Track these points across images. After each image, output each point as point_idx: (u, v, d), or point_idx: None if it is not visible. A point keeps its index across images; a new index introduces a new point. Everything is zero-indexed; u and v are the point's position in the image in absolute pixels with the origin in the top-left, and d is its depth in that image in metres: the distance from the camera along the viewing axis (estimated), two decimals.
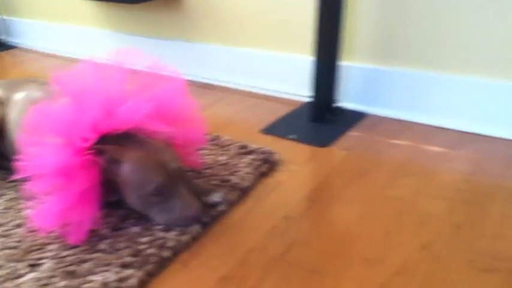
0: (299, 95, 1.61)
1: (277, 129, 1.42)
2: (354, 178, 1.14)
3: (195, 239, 0.94)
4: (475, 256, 0.87)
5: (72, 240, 0.91)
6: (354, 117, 1.48)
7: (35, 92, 1.16)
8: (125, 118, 0.93)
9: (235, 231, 0.97)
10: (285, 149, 1.29)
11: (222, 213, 1.01)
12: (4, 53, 2.41)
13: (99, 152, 0.91)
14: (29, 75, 2.00)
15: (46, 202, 0.90)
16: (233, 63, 1.75)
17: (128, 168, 0.91)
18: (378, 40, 1.44)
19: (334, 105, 1.49)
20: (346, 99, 1.52)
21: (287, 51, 1.62)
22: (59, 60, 2.24)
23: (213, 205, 1.02)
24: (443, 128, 1.38)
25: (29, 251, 0.90)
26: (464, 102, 1.34)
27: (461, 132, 1.35)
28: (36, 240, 0.93)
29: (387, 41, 1.43)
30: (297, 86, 1.60)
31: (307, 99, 1.52)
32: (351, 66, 1.49)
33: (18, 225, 0.98)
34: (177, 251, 0.90)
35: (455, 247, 0.90)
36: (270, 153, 1.22)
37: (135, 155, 0.91)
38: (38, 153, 0.89)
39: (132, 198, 0.94)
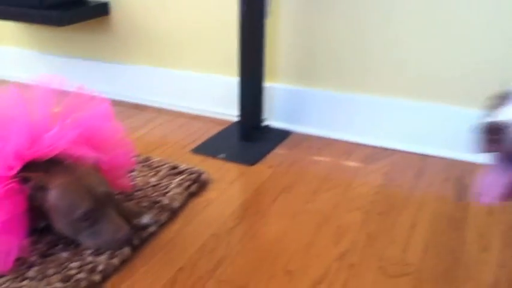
0: (228, 115, 1.68)
1: (207, 148, 1.48)
2: (279, 194, 1.22)
3: (125, 261, 0.97)
4: (385, 263, 0.97)
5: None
6: (280, 136, 1.57)
7: None
8: (51, 145, 0.95)
9: (165, 251, 1.01)
10: (214, 168, 1.34)
11: (152, 235, 1.05)
12: None
13: (24, 180, 0.91)
14: None
15: None
16: (164, 84, 1.79)
17: (54, 195, 0.92)
18: (299, 62, 1.55)
19: (261, 124, 1.57)
20: (273, 118, 1.60)
21: (215, 72, 1.68)
22: None
23: (144, 227, 1.05)
24: (360, 144, 1.49)
25: None
26: (379, 120, 1.47)
27: (376, 147, 1.47)
28: None
29: (308, 63, 1.53)
30: (226, 105, 1.67)
31: (236, 119, 1.59)
32: (275, 87, 1.58)
33: None
34: (107, 275, 0.92)
35: (368, 255, 0.99)
36: (200, 173, 1.27)
37: (61, 181, 0.93)
38: None
39: (61, 224, 0.95)
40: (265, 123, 1.59)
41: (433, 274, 0.94)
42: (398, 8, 1.35)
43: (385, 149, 1.45)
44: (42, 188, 0.92)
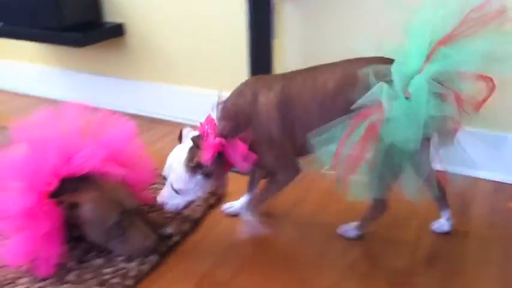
0: None
1: None
2: (291, 206, 1.32)
3: (153, 268, 1.07)
4: (393, 273, 1.06)
5: (41, 273, 1.00)
6: None
7: None
8: (82, 163, 1.05)
9: (189, 259, 1.11)
10: (230, 181, 1.44)
11: (177, 244, 1.15)
12: None
13: (58, 203, 1.01)
14: None
15: (13, 241, 0.99)
16: (176, 99, 1.89)
17: (86, 209, 1.02)
18: None
19: None
20: None
21: (225, 89, 1.78)
22: (4, 95, 2.26)
23: (168, 236, 1.15)
24: None
25: (1, 285, 0.98)
26: None
27: None
28: (7, 274, 1.01)
29: None
30: None
31: None
32: None
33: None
34: (138, 280, 1.03)
35: (377, 265, 1.09)
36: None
37: (91, 196, 1.03)
38: (3, 197, 0.98)
39: (94, 235, 1.05)
40: None
41: (439, 285, 1.02)
42: None
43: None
44: (74, 206, 1.02)
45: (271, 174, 1.12)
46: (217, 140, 1.00)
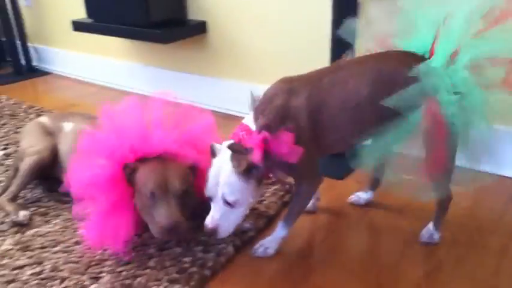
0: None
1: None
2: (367, 209, 1.29)
3: (229, 260, 1.09)
4: (476, 285, 1.01)
5: (119, 250, 1.05)
6: None
7: (81, 124, 1.33)
8: (157, 143, 1.10)
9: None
10: None
11: (252, 238, 1.16)
12: (38, 80, 2.59)
13: (124, 168, 1.08)
14: (64, 102, 2.18)
15: (92, 217, 1.05)
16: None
17: (138, 174, 1.07)
18: None
19: None
20: None
21: None
22: (91, 88, 2.41)
23: (244, 231, 1.17)
24: None
25: (89, 266, 1.05)
26: None
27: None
28: (94, 256, 1.08)
29: None
30: None
31: None
32: None
33: (77, 243, 1.13)
34: (215, 270, 1.05)
35: (458, 276, 1.04)
36: (292, 184, 1.37)
37: (147, 165, 1.08)
38: (90, 167, 1.06)
39: (137, 201, 1.08)
40: None
41: None
42: None
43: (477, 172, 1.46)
44: (134, 170, 1.07)
45: (296, 186, 1.12)
46: (261, 134, 0.97)
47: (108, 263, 1.07)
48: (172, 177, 1.06)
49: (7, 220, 1.23)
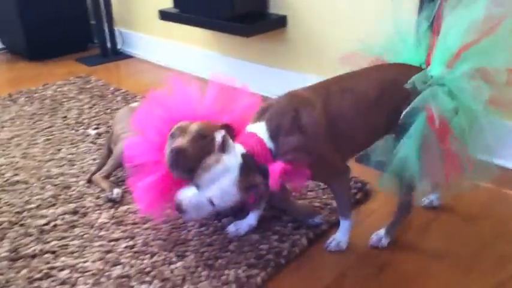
0: None
1: (368, 159, 1.60)
2: (439, 212, 1.30)
3: (302, 251, 1.16)
4: None
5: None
6: None
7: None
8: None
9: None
10: (375, 179, 1.47)
11: (324, 232, 1.22)
12: (121, 62, 2.76)
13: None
14: (144, 85, 2.32)
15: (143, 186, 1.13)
16: None
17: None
18: None
19: None
20: None
21: None
22: (169, 72, 2.54)
23: (317, 225, 1.23)
24: None
25: (175, 244, 1.16)
26: None
27: None
28: (179, 236, 1.19)
29: None
30: None
31: None
32: None
33: (164, 221, 1.24)
34: (290, 259, 1.12)
35: None
36: (364, 183, 1.41)
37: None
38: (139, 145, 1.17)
39: None
40: None
41: None
42: None
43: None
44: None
45: (328, 186, 1.19)
46: (282, 165, 0.96)
47: (192, 243, 1.17)
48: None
49: (102, 195, 1.36)
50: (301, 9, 1.93)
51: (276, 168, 0.96)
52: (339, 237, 1.17)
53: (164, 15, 2.20)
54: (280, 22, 1.98)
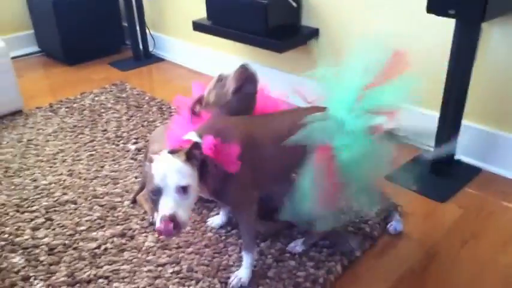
0: (419, 142, 1.82)
1: (399, 177, 1.64)
2: (468, 239, 1.35)
3: (337, 278, 1.22)
4: None
5: None
6: (470, 172, 1.66)
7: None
8: None
9: (368, 277, 1.24)
10: (406, 199, 1.52)
11: (358, 259, 1.28)
12: (153, 66, 2.83)
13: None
14: (176, 92, 2.37)
15: None
16: None
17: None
18: (496, 105, 1.60)
19: (453, 157, 1.68)
20: (463, 153, 1.70)
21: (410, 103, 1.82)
22: (201, 78, 2.59)
23: (351, 251, 1.29)
24: None
25: (218, 270, 1.24)
26: None
27: None
28: (221, 261, 1.27)
29: (505, 107, 1.58)
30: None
31: (426, 147, 1.73)
32: (470, 126, 1.66)
33: (206, 246, 1.32)
34: (325, 287, 1.19)
35: None
36: (396, 205, 1.46)
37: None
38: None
39: None
40: (457, 157, 1.69)
41: None
42: None
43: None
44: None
45: (236, 215, 1.26)
46: (212, 138, 1.07)
47: (234, 269, 1.24)
48: None
49: (146, 217, 1.45)
50: (333, 22, 1.95)
51: (208, 140, 1.07)
52: (241, 273, 1.20)
53: (197, 27, 2.25)
54: (313, 35, 2.01)
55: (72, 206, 1.52)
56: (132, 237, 1.38)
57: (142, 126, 2.03)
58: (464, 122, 1.65)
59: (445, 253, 1.31)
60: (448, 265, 1.27)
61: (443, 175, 1.65)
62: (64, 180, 1.66)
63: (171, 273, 1.24)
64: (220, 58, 2.53)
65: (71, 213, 1.49)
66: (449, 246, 1.34)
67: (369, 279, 1.23)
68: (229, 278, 1.21)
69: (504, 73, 1.56)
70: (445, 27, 1.47)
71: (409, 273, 1.24)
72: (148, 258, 1.29)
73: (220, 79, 1.28)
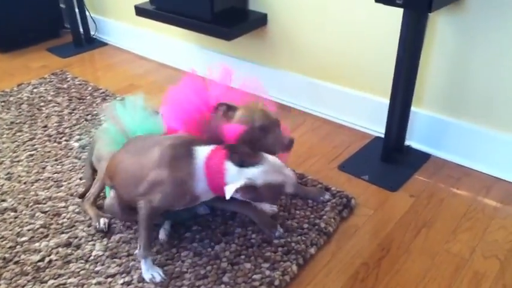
0: (369, 129, 1.82)
1: (351, 166, 1.65)
2: (420, 229, 1.37)
3: (292, 278, 1.21)
4: None
5: None
6: (420, 158, 1.69)
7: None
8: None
9: (323, 274, 1.23)
10: (358, 190, 1.52)
11: (312, 256, 1.28)
12: (96, 51, 2.68)
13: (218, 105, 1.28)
14: (124, 81, 2.27)
15: None
16: (309, 91, 1.96)
17: (239, 112, 1.26)
18: (445, 92, 1.62)
19: (404, 144, 1.70)
20: (413, 139, 1.72)
21: (360, 90, 1.82)
22: (148, 64, 2.49)
23: (304, 250, 1.28)
24: (500, 179, 1.56)
25: (171, 278, 1.20)
26: None
27: None
28: (175, 267, 1.22)
29: (454, 94, 1.60)
30: (368, 120, 1.82)
31: (377, 134, 1.74)
32: (420, 113, 1.68)
33: (158, 252, 1.27)
34: None
35: None
36: (349, 197, 1.46)
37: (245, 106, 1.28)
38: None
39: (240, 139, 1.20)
40: (407, 143, 1.71)
41: None
42: None
43: None
44: (232, 109, 1.28)
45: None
46: None
47: (187, 275, 1.21)
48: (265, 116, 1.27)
49: (92, 224, 1.37)
50: (281, 8, 1.90)
51: None
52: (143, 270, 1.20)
53: (140, 12, 2.14)
54: (261, 21, 1.95)
55: (12, 214, 1.43)
56: (78, 246, 1.30)
57: (86, 120, 1.93)
58: (414, 108, 1.66)
59: (398, 245, 1.33)
60: (401, 257, 1.29)
61: (393, 163, 1.67)
62: (2, 185, 1.55)
63: (122, 284, 1.19)
64: (167, 42, 2.43)
65: (10, 223, 1.39)
66: (402, 236, 1.35)
67: (324, 278, 1.22)
68: (182, 286, 1.18)
69: (451, 61, 1.57)
70: (396, 15, 1.46)
71: (364, 268, 1.25)
72: (97, 268, 1.23)
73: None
